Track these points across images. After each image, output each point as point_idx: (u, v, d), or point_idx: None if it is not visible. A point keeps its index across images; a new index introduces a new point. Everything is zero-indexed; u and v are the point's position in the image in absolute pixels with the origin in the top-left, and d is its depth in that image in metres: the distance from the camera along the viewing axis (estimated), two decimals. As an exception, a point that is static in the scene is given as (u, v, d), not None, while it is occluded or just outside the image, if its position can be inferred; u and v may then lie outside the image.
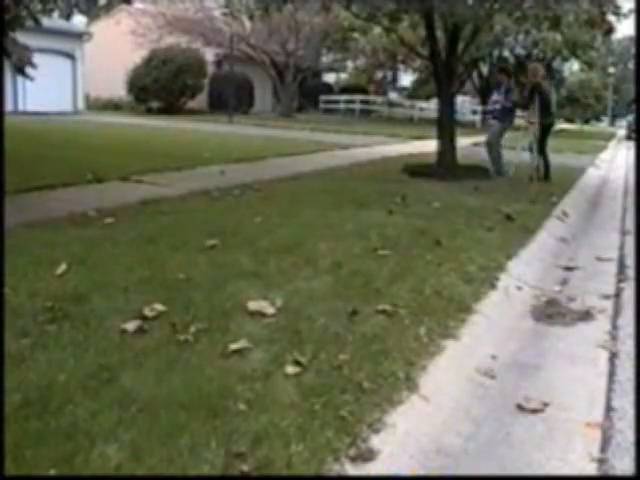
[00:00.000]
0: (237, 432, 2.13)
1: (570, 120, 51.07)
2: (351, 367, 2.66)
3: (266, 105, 32.43)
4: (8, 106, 18.60)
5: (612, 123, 55.96)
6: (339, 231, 5.14)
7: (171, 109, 26.56)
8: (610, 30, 11.08)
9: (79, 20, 27.13)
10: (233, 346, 2.77)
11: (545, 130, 9.75)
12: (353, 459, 2.07)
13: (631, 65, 55.78)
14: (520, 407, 2.64)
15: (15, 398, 2.26)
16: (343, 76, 41.28)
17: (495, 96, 10.03)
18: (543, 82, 9.92)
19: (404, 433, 2.28)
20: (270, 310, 3.24)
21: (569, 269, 4.97)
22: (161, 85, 26.10)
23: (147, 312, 3.10)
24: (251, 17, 26.68)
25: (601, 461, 2.28)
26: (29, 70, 8.65)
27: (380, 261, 4.33)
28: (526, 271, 4.66)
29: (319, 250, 4.46)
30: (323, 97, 35.35)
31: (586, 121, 52.83)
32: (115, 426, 2.13)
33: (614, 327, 3.67)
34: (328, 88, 37.63)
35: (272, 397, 2.38)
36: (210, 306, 3.25)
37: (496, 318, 3.64)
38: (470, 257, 4.57)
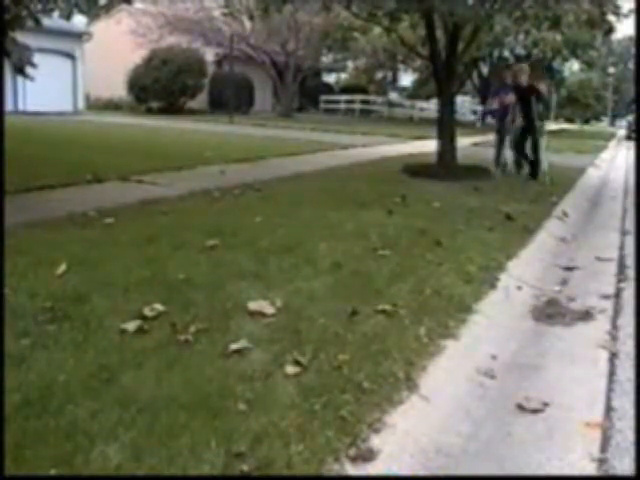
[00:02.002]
0: (237, 432, 2.13)
1: (570, 120, 51.10)
2: (351, 367, 2.66)
3: (266, 105, 32.43)
4: (8, 106, 18.59)
5: (612, 123, 55.96)
6: (339, 231, 5.14)
7: (171, 109, 26.57)
8: (610, 30, 11.07)
9: (79, 20, 27.05)
10: (233, 346, 2.77)
11: (531, 132, 9.65)
12: (353, 459, 2.07)
13: (631, 65, 55.79)
14: (520, 407, 2.64)
15: (15, 398, 2.26)
16: (343, 76, 41.29)
17: (510, 97, 9.92)
18: (539, 84, 10.00)
19: (404, 433, 2.28)
20: (270, 310, 3.24)
21: (569, 269, 4.97)
22: (161, 85, 26.09)
23: (147, 312, 3.10)
24: (251, 17, 26.71)
25: (601, 461, 2.27)
26: (29, 70, 8.62)
27: (380, 261, 4.33)
28: (526, 271, 4.66)
29: (319, 250, 4.46)
30: (323, 97, 35.35)
31: (586, 121, 52.87)
32: (115, 426, 2.13)
33: (614, 327, 3.67)
34: (328, 88, 37.63)
35: (272, 397, 2.39)
36: (210, 306, 3.25)
37: (496, 318, 3.64)
38: (470, 257, 4.57)
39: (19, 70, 8.53)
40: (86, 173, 7.40)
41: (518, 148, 9.80)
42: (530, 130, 9.53)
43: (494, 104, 10.48)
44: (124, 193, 6.62)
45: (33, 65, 8.50)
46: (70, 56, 25.01)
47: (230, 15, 26.31)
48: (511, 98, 9.90)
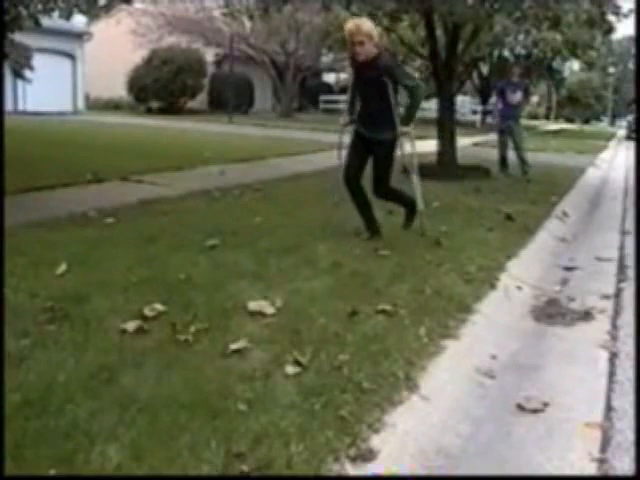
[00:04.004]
0: (237, 432, 2.13)
1: (570, 120, 51.12)
2: (351, 367, 2.66)
3: (266, 105, 32.42)
4: (8, 106, 18.59)
5: (612, 123, 55.96)
6: (339, 231, 5.13)
7: (171, 109, 26.57)
8: (610, 30, 11.07)
9: (79, 20, 27.07)
10: (233, 346, 2.77)
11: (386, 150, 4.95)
12: (353, 459, 2.07)
13: (631, 65, 55.79)
14: (520, 407, 2.64)
15: (15, 398, 2.26)
16: (343, 76, 41.26)
17: (519, 95, 9.79)
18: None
19: (404, 433, 2.28)
20: (270, 310, 3.24)
21: (569, 269, 4.97)
22: (161, 85, 26.10)
23: (147, 312, 3.10)
24: (251, 17, 26.66)
25: (601, 461, 2.27)
26: (27, 72, 8.63)
27: (380, 261, 4.33)
28: (526, 271, 4.65)
29: (319, 250, 4.46)
30: (323, 97, 35.34)
31: (586, 121, 52.87)
32: (115, 426, 2.13)
33: (614, 327, 3.67)
34: (328, 88, 37.62)
35: (272, 397, 2.38)
36: (210, 306, 3.25)
37: (496, 318, 3.64)
38: (470, 257, 4.57)
39: (16, 74, 8.54)
40: (86, 173, 7.40)
41: (378, 183, 5.02)
42: (380, 143, 4.86)
43: (498, 103, 10.17)
44: (124, 193, 6.62)
45: (31, 68, 8.51)
46: (70, 56, 25.01)
47: (230, 15, 26.26)
48: (518, 97, 9.80)
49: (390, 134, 4.82)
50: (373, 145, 4.87)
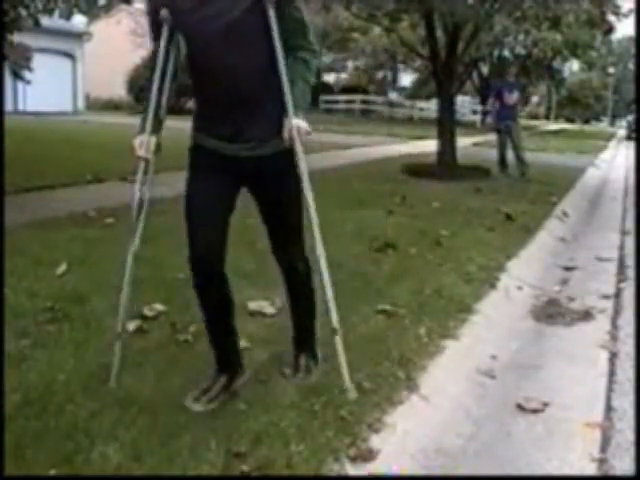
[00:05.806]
0: (237, 432, 2.13)
1: (570, 120, 51.14)
2: (351, 367, 2.65)
3: (266, 105, 32.36)
4: (8, 106, 18.57)
5: (612, 123, 55.96)
6: (339, 231, 5.13)
7: (171, 109, 26.46)
8: (610, 30, 11.08)
9: (79, 20, 27.09)
10: (233, 346, 2.76)
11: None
12: (353, 459, 2.07)
13: (631, 65, 55.77)
14: (520, 407, 2.64)
15: (15, 398, 2.26)
16: (343, 76, 41.28)
17: (516, 95, 9.80)
18: None
19: (404, 433, 2.28)
20: (270, 310, 3.24)
21: (569, 269, 4.97)
22: (161, 85, 26.11)
23: (147, 312, 3.10)
24: (251, 17, 26.64)
25: (601, 461, 2.27)
26: (26, 73, 8.63)
27: (380, 261, 4.33)
28: (526, 271, 4.65)
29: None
30: (323, 97, 35.34)
31: (586, 121, 52.88)
32: (115, 426, 2.13)
33: (614, 327, 3.67)
34: (328, 88, 37.63)
35: (272, 397, 2.38)
36: (210, 306, 3.24)
37: (496, 318, 3.64)
38: (470, 257, 4.57)
39: (15, 74, 8.53)
40: (86, 173, 7.40)
41: None
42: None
43: (496, 104, 10.14)
44: (124, 193, 6.60)
45: (30, 69, 8.51)
46: (70, 56, 25.01)
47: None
48: (515, 97, 9.79)
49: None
50: (256, 171, 2.51)
